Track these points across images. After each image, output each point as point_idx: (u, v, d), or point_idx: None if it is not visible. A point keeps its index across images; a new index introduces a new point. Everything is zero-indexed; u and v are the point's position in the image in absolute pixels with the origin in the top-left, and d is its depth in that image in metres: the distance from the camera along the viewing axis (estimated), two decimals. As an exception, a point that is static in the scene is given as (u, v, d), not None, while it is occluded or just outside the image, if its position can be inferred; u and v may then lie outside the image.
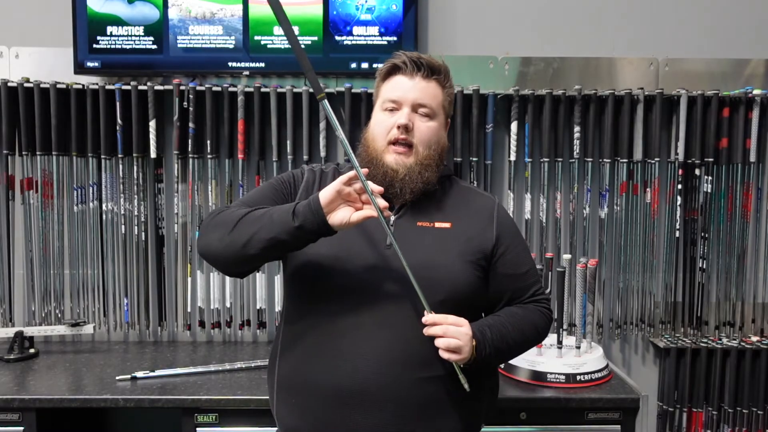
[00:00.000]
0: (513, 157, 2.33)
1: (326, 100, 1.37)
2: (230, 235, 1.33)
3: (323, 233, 1.30)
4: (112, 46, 2.28)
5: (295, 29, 2.23)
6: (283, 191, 1.49)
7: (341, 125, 1.43)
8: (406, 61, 1.45)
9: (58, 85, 2.26)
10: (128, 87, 2.26)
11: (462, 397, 1.39)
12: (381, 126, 1.45)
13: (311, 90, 2.27)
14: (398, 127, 1.42)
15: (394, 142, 1.43)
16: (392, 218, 1.44)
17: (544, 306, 1.52)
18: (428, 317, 1.33)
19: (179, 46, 2.28)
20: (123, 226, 2.34)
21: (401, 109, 1.44)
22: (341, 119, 2.25)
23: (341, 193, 1.29)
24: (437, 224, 1.45)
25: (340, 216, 1.29)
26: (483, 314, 1.50)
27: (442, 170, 1.51)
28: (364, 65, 2.27)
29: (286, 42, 2.23)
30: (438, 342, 1.33)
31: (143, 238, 2.35)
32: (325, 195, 1.29)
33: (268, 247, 1.31)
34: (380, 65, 1.51)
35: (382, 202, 1.31)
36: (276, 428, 1.51)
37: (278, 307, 2.37)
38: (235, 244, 1.32)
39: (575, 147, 2.32)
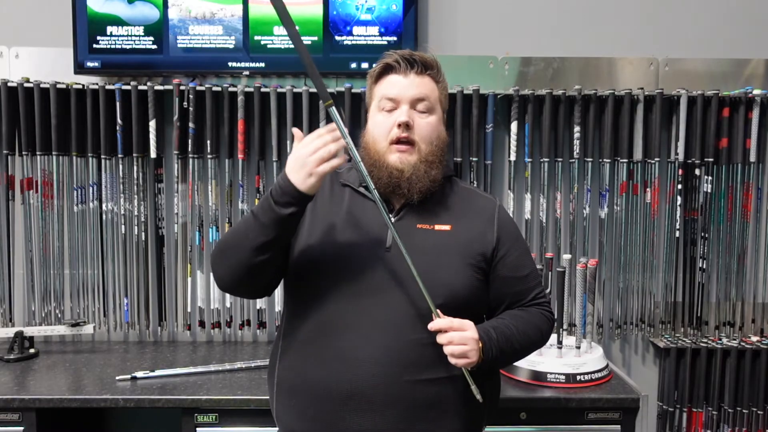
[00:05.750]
0: (513, 157, 2.33)
1: (334, 108, 1.33)
2: (232, 252, 1.37)
3: (297, 199, 1.30)
4: (112, 46, 2.28)
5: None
6: None
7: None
8: (398, 60, 1.43)
9: (58, 85, 2.26)
10: (128, 87, 2.26)
11: (464, 399, 1.38)
12: (381, 127, 1.43)
13: (312, 90, 2.26)
14: (399, 125, 1.40)
15: (396, 141, 1.41)
16: (392, 220, 1.43)
17: (546, 309, 1.51)
18: (433, 324, 1.32)
19: (179, 46, 2.28)
20: (123, 226, 2.34)
21: (399, 107, 1.42)
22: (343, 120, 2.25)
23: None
24: (437, 227, 1.44)
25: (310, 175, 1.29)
26: (484, 318, 1.48)
27: (445, 168, 1.49)
28: (364, 65, 2.26)
29: (286, 42, 2.26)
30: (445, 349, 1.32)
31: (143, 238, 2.35)
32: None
33: (263, 240, 1.32)
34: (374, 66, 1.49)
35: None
36: (276, 428, 1.51)
37: (278, 307, 2.36)
38: (241, 257, 1.35)
39: (575, 147, 2.32)
